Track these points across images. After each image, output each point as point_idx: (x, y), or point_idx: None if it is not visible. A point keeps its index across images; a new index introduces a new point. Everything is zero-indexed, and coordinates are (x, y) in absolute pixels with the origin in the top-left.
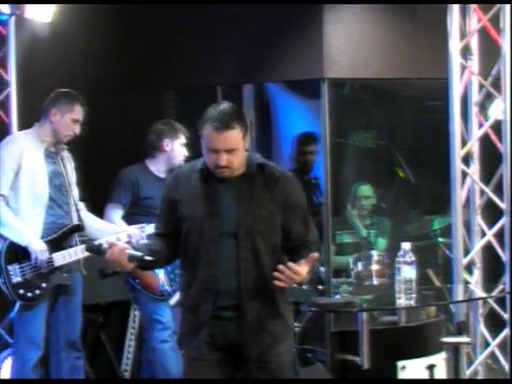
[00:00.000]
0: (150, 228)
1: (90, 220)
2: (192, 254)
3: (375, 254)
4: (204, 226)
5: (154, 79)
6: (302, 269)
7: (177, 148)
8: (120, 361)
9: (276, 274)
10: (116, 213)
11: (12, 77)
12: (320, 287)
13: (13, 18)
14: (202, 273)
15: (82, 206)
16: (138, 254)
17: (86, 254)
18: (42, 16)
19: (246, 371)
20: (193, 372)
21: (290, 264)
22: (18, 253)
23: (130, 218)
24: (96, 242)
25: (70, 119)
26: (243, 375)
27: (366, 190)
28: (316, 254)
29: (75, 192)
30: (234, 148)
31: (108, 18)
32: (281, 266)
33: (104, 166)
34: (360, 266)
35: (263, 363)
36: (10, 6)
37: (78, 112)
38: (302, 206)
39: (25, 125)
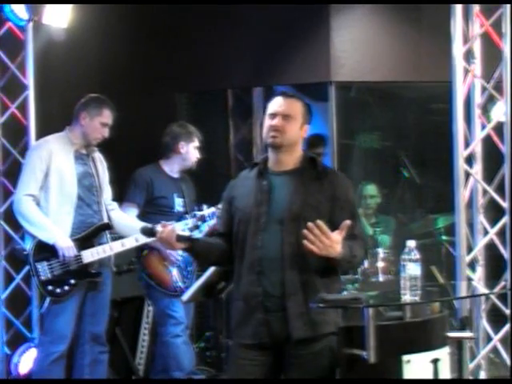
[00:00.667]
0: (179, 226)
1: (121, 218)
2: (240, 243)
3: (381, 252)
4: (252, 214)
5: (166, 82)
6: (334, 235)
7: (191, 150)
8: (134, 355)
9: (305, 232)
10: (131, 212)
11: (30, 81)
12: None
13: (30, 24)
14: (249, 258)
15: (114, 205)
16: (186, 234)
17: (115, 251)
18: (58, 22)
19: (286, 368)
20: (241, 366)
21: (320, 223)
22: (47, 251)
23: (144, 217)
24: (149, 225)
25: (98, 122)
26: (283, 372)
27: (371, 189)
28: (348, 221)
29: (108, 192)
30: (291, 115)
31: (122, 23)
32: (310, 224)
33: (118, 167)
34: (366, 263)
35: (302, 358)
36: (28, 12)
37: (107, 116)
38: (350, 202)
39: (42, 127)
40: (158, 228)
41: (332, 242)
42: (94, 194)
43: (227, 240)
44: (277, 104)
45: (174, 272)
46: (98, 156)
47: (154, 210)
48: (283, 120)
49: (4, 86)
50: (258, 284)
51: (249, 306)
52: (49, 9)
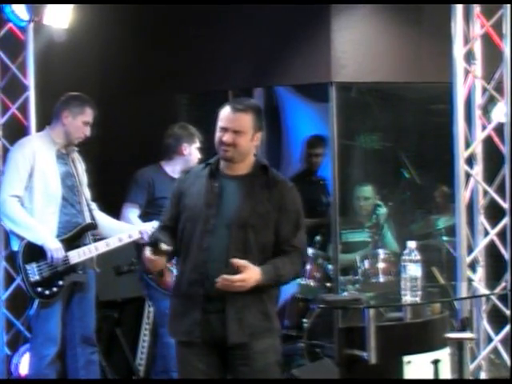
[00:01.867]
0: None
1: (102, 219)
2: (187, 242)
3: (381, 253)
4: (201, 215)
5: (166, 83)
6: (236, 277)
7: (193, 152)
8: (135, 355)
9: (220, 278)
10: (132, 212)
11: (30, 81)
12: (328, 284)
13: (31, 24)
14: (194, 258)
15: (94, 205)
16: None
17: (100, 251)
18: (59, 22)
19: (232, 368)
20: (187, 363)
21: (224, 277)
22: (35, 252)
23: (145, 218)
24: (162, 242)
25: (81, 121)
26: (230, 372)
27: (366, 191)
28: (235, 261)
29: (87, 193)
30: (242, 131)
31: (122, 24)
32: (220, 278)
33: (119, 167)
34: (367, 263)
35: (247, 360)
36: (28, 13)
37: (89, 114)
38: (296, 212)
39: (42, 128)
40: (164, 247)
41: (240, 282)
42: (76, 193)
43: (171, 234)
44: (227, 119)
45: (175, 272)
46: (77, 156)
47: (154, 210)
48: (234, 134)
49: (5, 86)
50: (199, 285)
51: (187, 305)
52: (49, 9)
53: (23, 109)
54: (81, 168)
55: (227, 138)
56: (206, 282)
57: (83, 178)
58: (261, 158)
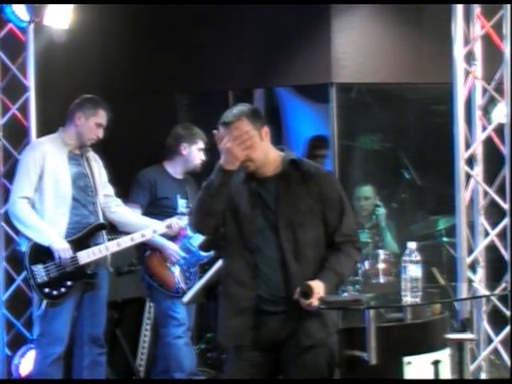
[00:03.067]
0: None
1: (127, 215)
2: (235, 246)
3: (382, 253)
4: (246, 217)
5: (167, 84)
6: (311, 301)
7: (194, 152)
8: (135, 356)
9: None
10: (134, 212)
11: (31, 82)
12: None
13: (32, 25)
14: (243, 260)
15: (119, 201)
16: None
17: (110, 251)
18: (59, 23)
19: (284, 370)
20: (236, 367)
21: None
22: (42, 253)
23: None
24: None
25: (94, 123)
26: (282, 369)
27: (366, 191)
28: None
29: (109, 189)
30: (242, 135)
31: (123, 25)
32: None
33: (121, 168)
34: (367, 264)
35: (300, 358)
36: (29, 13)
37: (102, 116)
38: (339, 199)
39: (43, 128)
40: None
41: (313, 299)
42: (89, 194)
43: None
44: (226, 135)
45: (176, 273)
46: (93, 155)
47: (157, 210)
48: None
49: (5, 87)
50: (252, 287)
51: (237, 307)
52: (50, 10)
53: (23, 109)
54: (97, 167)
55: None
56: (261, 284)
57: (101, 176)
58: (288, 152)
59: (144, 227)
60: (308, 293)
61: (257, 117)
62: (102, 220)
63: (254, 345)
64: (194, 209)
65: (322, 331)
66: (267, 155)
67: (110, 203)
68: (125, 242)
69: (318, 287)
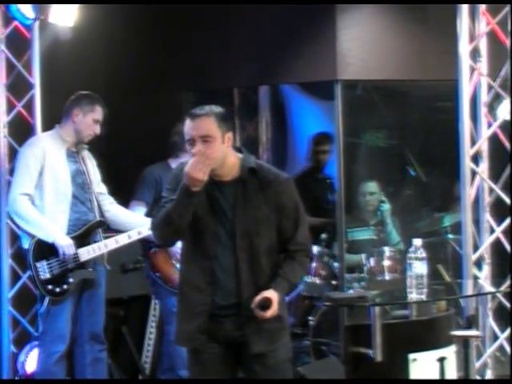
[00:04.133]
0: None
1: (120, 213)
2: (190, 246)
3: (387, 250)
4: (206, 221)
5: (172, 81)
6: (267, 313)
7: None
8: (141, 353)
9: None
10: (139, 210)
11: (36, 79)
12: (333, 282)
13: (37, 23)
14: (199, 265)
15: (112, 199)
16: None
17: (109, 248)
18: (65, 20)
19: (245, 365)
20: (197, 365)
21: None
22: (45, 249)
23: (152, 216)
24: None
25: (91, 119)
26: (243, 369)
27: (371, 186)
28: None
29: (103, 188)
30: (208, 135)
31: (128, 22)
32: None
33: (126, 166)
34: (372, 261)
35: (262, 359)
36: (34, 11)
37: (99, 112)
38: (295, 208)
39: (48, 126)
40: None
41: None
42: (87, 191)
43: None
44: (190, 128)
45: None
46: (87, 153)
47: None
48: (202, 144)
49: (10, 84)
50: (207, 293)
51: (190, 311)
52: (55, 8)
53: (29, 107)
54: (91, 165)
55: (197, 149)
56: (217, 290)
57: (95, 174)
58: (247, 155)
59: (138, 225)
60: (266, 305)
61: (225, 120)
62: (99, 217)
63: (209, 343)
64: (158, 223)
65: (277, 322)
66: (225, 158)
67: (103, 201)
68: (122, 240)
69: (274, 299)
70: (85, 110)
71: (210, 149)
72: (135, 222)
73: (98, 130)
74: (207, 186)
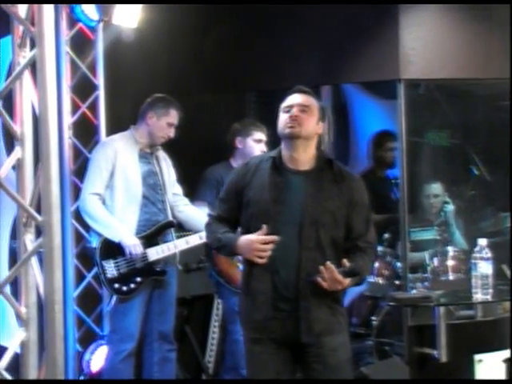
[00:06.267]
0: None
1: (194, 214)
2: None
3: (451, 250)
4: (269, 212)
5: (235, 82)
6: (341, 278)
7: (249, 144)
8: (204, 353)
9: (321, 268)
10: (202, 210)
11: (100, 80)
12: (397, 282)
13: (101, 24)
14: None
15: (186, 201)
16: None
17: (179, 249)
18: (128, 22)
19: (304, 366)
20: (257, 360)
21: (328, 266)
22: (113, 249)
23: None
24: None
25: (165, 122)
26: (302, 369)
27: (435, 188)
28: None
29: (178, 189)
30: (307, 105)
31: (190, 23)
32: (323, 267)
33: (189, 166)
34: (436, 261)
35: (319, 357)
36: (98, 13)
37: (174, 116)
38: (366, 206)
39: (113, 127)
40: None
41: (339, 282)
42: (159, 192)
43: (231, 226)
44: (293, 98)
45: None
46: (162, 154)
47: None
48: (301, 112)
49: (75, 86)
50: (270, 284)
51: (257, 302)
52: (119, 9)
53: (93, 108)
54: (166, 166)
55: (294, 112)
56: (277, 280)
57: (169, 175)
58: (325, 151)
59: None
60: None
61: (323, 111)
62: (170, 218)
63: (274, 339)
64: (209, 241)
65: (332, 315)
66: (311, 140)
67: (177, 202)
68: (193, 240)
69: (345, 280)
70: (159, 113)
71: (306, 117)
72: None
73: (172, 133)
74: (277, 177)
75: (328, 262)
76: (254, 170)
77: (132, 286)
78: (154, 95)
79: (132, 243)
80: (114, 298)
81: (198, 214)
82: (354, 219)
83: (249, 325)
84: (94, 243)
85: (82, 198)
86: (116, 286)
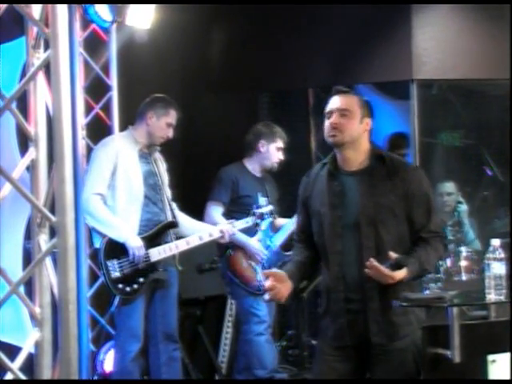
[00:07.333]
0: (240, 224)
1: (182, 219)
2: (321, 248)
3: (464, 251)
4: (327, 218)
5: (247, 82)
6: (395, 275)
7: (271, 150)
8: (217, 353)
9: (368, 264)
10: (216, 210)
11: (114, 81)
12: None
13: (114, 25)
14: (331, 264)
15: (174, 205)
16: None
17: (180, 249)
18: (142, 23)
19: (371, 365)
20: (323, 365)
21: (374, 265)
22: (116, 249)
23: (229, 216)
24: None
25: (164, 123)
26: (369, 369)
27: (448, 186)
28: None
29: (168, 192)
30: (347, 109)
31: (203, 24)
32: (369, 263)
33: (201, 166)
34: (449, 262)
35: (385, 355)
36: (111, 14)
37: (173, 116)
38: (425, 196)
39: (126, 127)
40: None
41: (389, 277)
42: (158, 192)
43: (309, 244)
44: (332, 103)
45: (259, 271)
46: (159, 156)
47: (238, 208)
48: (340, 117)
49: (88, 86)
50: (339, 290)
51: (332, 311)
52: (132, 10)
53: (106, 109)
54: (162, 167)
55: (334, 119)
56: (345, 285)
57: (165, 177)
58: (376, 146)
59: (199, 232)
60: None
61: (367, 106)
62: (170, 218)
63: (341, 346)
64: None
65: (403, 315)
66: (360, 141)
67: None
68: (193, 241)
69: (401, 273)
70: (159, 113)
71: (347, 122)
72: (197, 228)
73: (170, 133)
74: (332, 181)
75: (370, 260)
76: (314, 179)
77: (135, 286)
78: (153, 95)
79: (136, 245)
80: (117, 298)
81: (186, 219)
82: (414, 211)
83: (328, 333)
84: (97, 244)
85: (84, 199)
86: (120, 286)
